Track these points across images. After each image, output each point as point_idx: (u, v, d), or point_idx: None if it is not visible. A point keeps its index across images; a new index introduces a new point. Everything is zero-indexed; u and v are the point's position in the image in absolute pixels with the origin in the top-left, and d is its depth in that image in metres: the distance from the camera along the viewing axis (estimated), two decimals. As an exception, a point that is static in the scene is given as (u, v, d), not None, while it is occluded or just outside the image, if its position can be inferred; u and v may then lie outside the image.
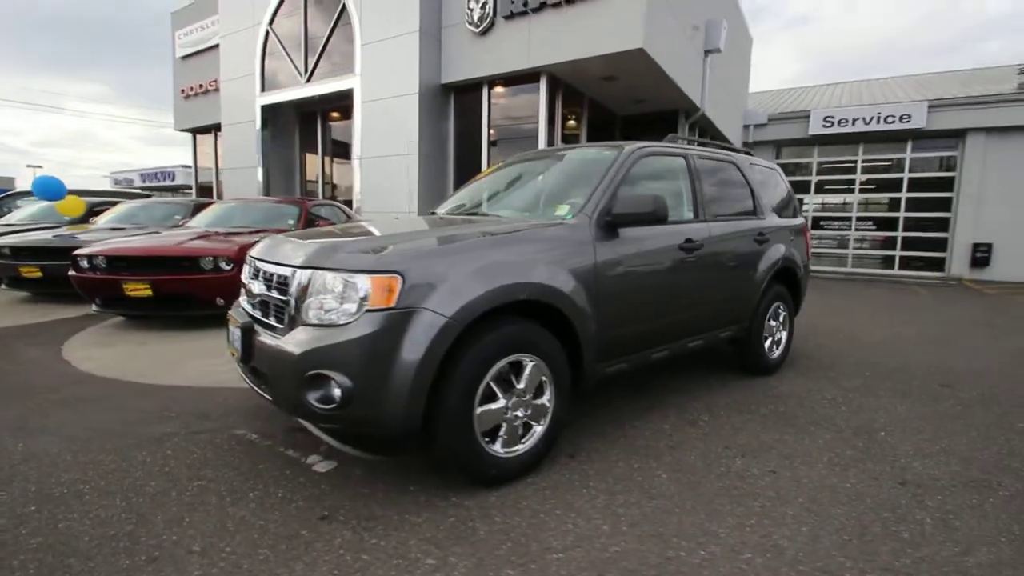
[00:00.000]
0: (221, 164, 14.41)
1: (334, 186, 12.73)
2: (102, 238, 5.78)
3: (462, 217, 3.00)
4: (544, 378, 2.24)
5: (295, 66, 11.32)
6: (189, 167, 17.66)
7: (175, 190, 27.53)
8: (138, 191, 15.74)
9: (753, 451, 2.60)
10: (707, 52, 10.91)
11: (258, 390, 2.17)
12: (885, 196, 15.06)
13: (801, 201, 15.81)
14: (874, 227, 15.29)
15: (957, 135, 13.83)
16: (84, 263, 4.90)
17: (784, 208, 4.12)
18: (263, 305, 2.23)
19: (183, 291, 4.76)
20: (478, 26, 9.06)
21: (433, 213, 3.41)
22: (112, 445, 2.50)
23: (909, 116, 13.88)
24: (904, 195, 14.72)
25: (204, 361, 3.93)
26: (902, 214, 14.79)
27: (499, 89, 9.62)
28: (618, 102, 11.09)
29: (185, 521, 1.88)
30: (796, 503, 2.11)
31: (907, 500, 2.17)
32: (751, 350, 3.71)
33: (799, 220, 4.27)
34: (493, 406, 2.08)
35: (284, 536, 1.80)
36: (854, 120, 14.52)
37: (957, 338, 5.66)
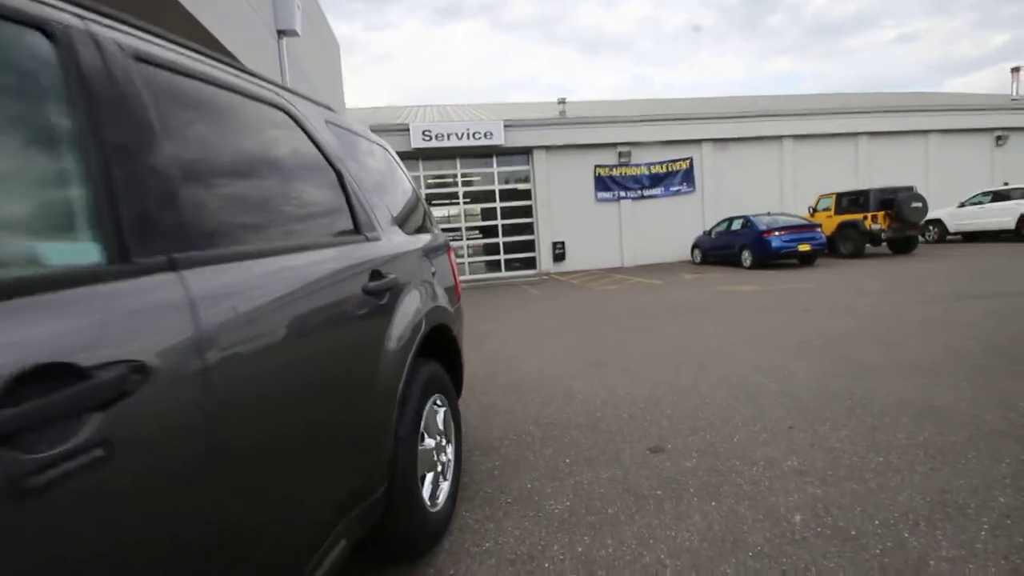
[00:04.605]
0: None
1: None
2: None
3: None
4: None
5: None
6: None
7: None
8: None
9: None
10: (281, 33, 8.74)
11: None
12: (484, 205, 16.35)
13: (416, 215, 15.70)
14: (481, 235, 16.44)
15: (527, 151, 15.99)
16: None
17: (411, 216, 2.28)
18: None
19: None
20: None
21: None
22: None
23: (491, 133, 15.22)
24: (498, 204, 16.27)
25: None
26: (500, 222, 16.31)
27: None
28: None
29: None
30: None
31: None
32: (402, 523, 1.69)
33: (438, 234, 2.53)
34: None
35: None
36: (449, 135, 15.04)
37: (601, 348, 5.20)
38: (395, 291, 1.68)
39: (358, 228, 1.66)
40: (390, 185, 2.14)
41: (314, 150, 1.57)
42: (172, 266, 0.89)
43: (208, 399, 0.87)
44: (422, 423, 1.86)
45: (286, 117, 1.48)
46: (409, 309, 1.77)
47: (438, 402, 2.08)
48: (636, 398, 3.47)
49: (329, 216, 1.56)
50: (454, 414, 2.22)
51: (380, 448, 1.51)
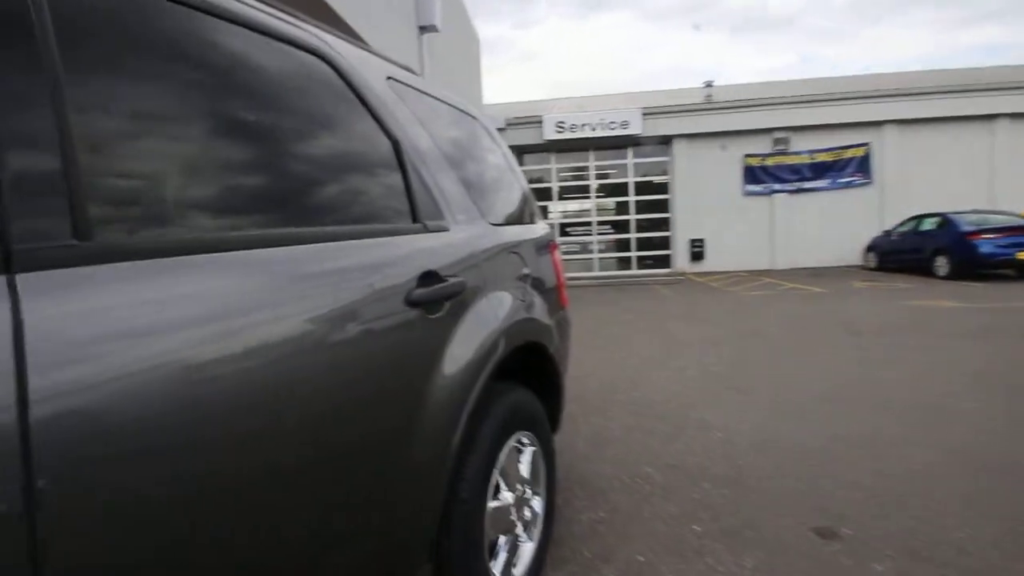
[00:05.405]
0: None
1: None
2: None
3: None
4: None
5: None
6: None
7: None
8: None
9: None
10: (422, 29, 8.91)
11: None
12: (617, 199, 15.53)
13: (545, 210, 15.40)
14: (612, 230, 15.66)
15: (667, 141, 14.82)
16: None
17: (502, 203, 1.84)
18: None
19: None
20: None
21: None
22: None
23: (628, 123, 14.35)
24: (632, 198, 15.34)
25: None
26: (633, 216, 15.38)
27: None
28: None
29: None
30: None
31: None
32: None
33: (540, 229, 2.06)
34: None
35: None
36: (583, 125, 14.49)
37: (745, 370, 4.35)
38: (460, 300, 1.25)
39: (417, 215, 1.26)
40: (475, 164, 1.72)
41: (362, 111, 1.19)
42: (4, 265, 0.53)
43: (28, 496, 0.50)
44: (496, 471, 1.42)
45: (324, 66, 1.12)
46: (482, 324, 1.32)
47: (523, 440, 1.62)
48: (795, 446, 2.68)
49: (371, 198, 1.17)
50: (547, 456, 1.74)
51: (417, 518, 1.10)
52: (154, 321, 0.65)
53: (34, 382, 0.51)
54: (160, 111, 0.77)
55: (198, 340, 0.69)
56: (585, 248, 15.56)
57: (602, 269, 15.38)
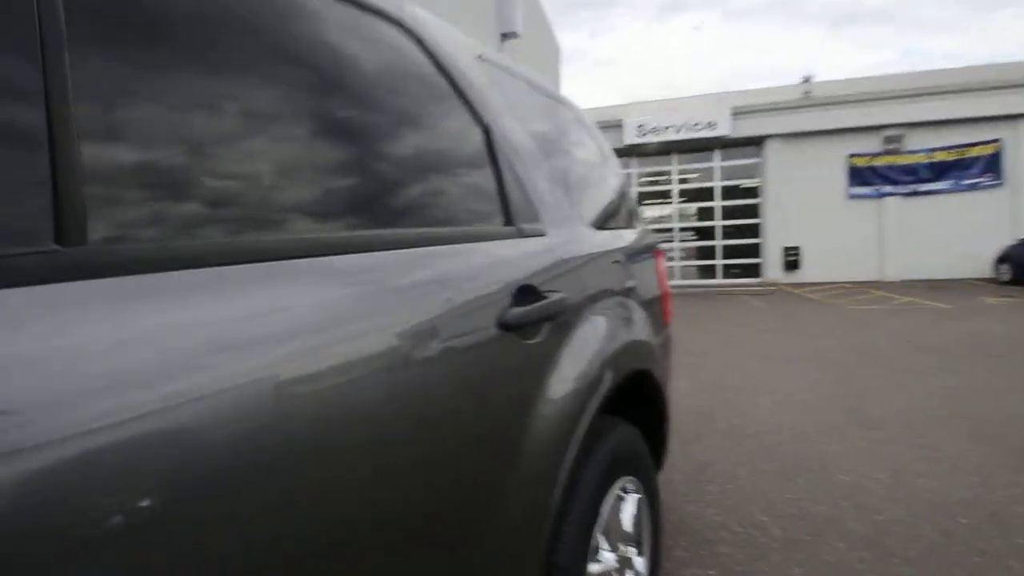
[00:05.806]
0: None
1: None
2: None
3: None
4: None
5: None
6: None
7: None
8: None
9: None
10: (504, 36, 8.86)
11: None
12: (701, 205, 14.71)
13: (625, 215, 14.87)
14: (695, 237, 14.87)
15: (758, 142, 13.84)
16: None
17: (602, 203, 1.59)
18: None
19: None
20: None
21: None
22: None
23: (715, 123, 13.58)
24: (718, 203, 14.47)
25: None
26: (719, 222, 14.50)
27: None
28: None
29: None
30: None
31: None
32: None
33: (641, 233, 1.79)
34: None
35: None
36: (666, 128, 13.88)
37: (866, 396, 3.79)
38: (562, 321, 1.02)
39: (510, 217, 1.04)
40: (571, 157, 1.48)
41: (449, 94, 0.99)
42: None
43: None
44: (597, 528, 1.17)
45: (404, 39, 0.93)
46: (586, 349, 1.08)
47: (626, 487, 1.36)
48: (947, 499, 2.19)
49: (456, 196, 0.97)
50: (651, 503, 1.46)
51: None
52: (163, 353, 0.47)
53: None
54: (192, 85, 0.60)
55: (226, 376, 0.51)
56: (666, 255, 14.87)
57: (683, 277, 14.62)
